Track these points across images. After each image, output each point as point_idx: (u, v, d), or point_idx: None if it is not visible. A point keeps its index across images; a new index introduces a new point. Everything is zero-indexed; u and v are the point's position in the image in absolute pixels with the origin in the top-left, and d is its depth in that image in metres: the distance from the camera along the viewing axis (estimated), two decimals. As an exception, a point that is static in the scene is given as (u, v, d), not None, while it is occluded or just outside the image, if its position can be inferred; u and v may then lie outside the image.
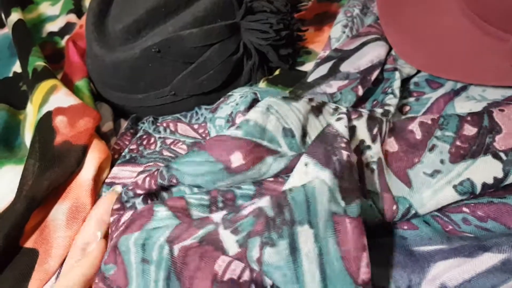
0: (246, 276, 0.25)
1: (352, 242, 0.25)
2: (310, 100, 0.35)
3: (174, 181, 0.32)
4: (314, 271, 0.24)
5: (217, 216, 0.27)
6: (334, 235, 0.25)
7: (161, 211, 0.30)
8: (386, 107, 0.37)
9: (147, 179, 0.32)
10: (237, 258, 0.25)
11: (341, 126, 0.31)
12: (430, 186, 0.30)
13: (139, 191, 0.33)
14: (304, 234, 0.25)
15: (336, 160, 0.27)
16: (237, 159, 0.30)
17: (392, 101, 0.37)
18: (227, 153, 0.30)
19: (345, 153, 0.28)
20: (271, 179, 0.31)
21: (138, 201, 0.34)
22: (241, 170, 0.30)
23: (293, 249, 0.24)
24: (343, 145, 0.29)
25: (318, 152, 0.28)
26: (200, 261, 0.26)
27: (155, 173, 0.32)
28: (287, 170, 0.31)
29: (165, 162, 0.33)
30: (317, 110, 0.35)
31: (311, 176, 0.27)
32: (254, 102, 0.36)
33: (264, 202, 0.26)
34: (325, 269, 0.24)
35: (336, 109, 0.35)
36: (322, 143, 0.29)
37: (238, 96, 0.38)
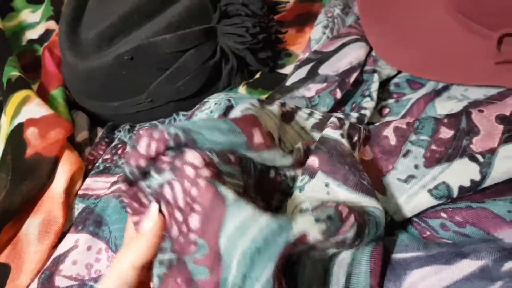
0: None
1: (379, 262, 0.26)
2: (283, 105, 0.34)
3: (190, 144, 0.25)
4: (340, 276, 0.25)
5: None
6: (370, 253, 0.26)
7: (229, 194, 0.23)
8: (363, 111, 0.36)
9: (150, 142, 0.24)
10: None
11: (350, 144, 0.30)
12: (404, 192, 0.29)
13: (141, 160, 0.24)
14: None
15: (367, 184, 0.27)
16: (257, 135, 0.28)
17: (368, 104, 0.36)
18: (251, 126, 0.27)
19: (367, 176, 0.28)
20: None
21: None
22: (259, 148, 0.28)
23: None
24: (361, 167, 0.29)
25: (339, 173, 0.28)
26: None
27: (161, 135, 0.24)
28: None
29: (172, 125, 0.25)
30: (289, 115, 0.34)
31: (332, 196, 0.27)
32: (229, 109, 0.35)
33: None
34: (351, 279, 0.25)
35: (310, 114, 0.34)
36: (340, 163, 0.28)
37: (213, 103, 0.37)
